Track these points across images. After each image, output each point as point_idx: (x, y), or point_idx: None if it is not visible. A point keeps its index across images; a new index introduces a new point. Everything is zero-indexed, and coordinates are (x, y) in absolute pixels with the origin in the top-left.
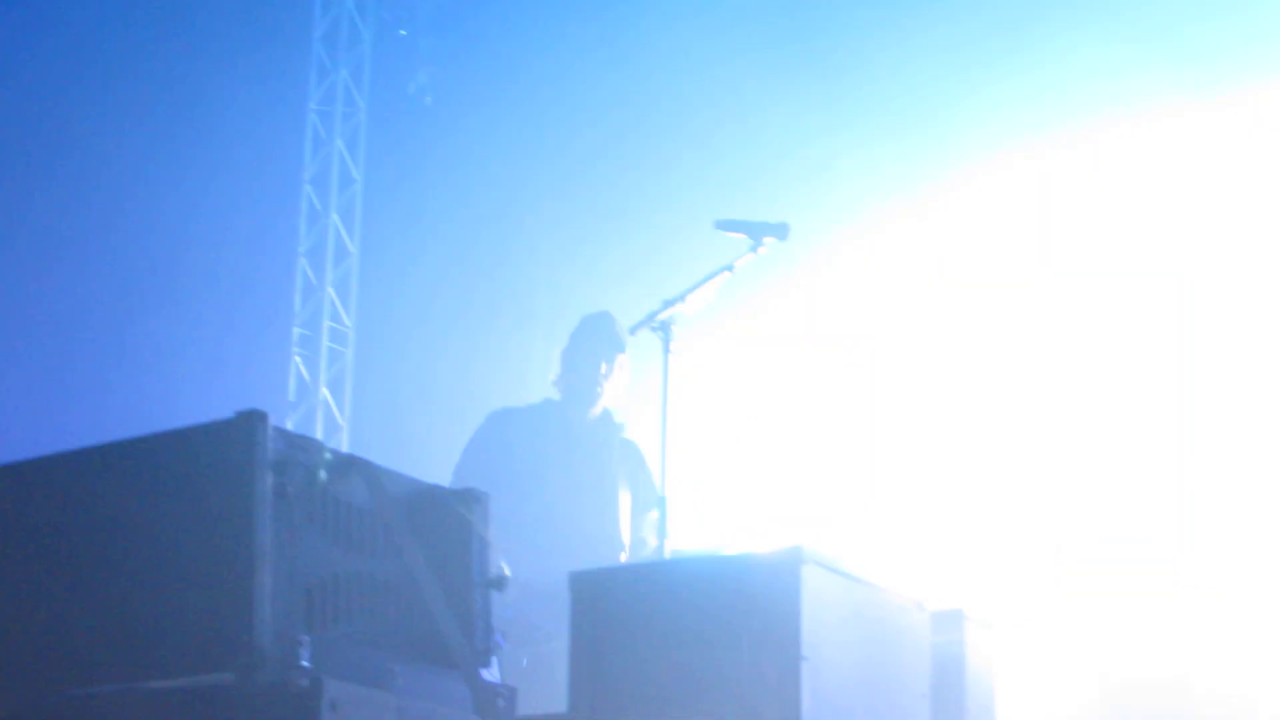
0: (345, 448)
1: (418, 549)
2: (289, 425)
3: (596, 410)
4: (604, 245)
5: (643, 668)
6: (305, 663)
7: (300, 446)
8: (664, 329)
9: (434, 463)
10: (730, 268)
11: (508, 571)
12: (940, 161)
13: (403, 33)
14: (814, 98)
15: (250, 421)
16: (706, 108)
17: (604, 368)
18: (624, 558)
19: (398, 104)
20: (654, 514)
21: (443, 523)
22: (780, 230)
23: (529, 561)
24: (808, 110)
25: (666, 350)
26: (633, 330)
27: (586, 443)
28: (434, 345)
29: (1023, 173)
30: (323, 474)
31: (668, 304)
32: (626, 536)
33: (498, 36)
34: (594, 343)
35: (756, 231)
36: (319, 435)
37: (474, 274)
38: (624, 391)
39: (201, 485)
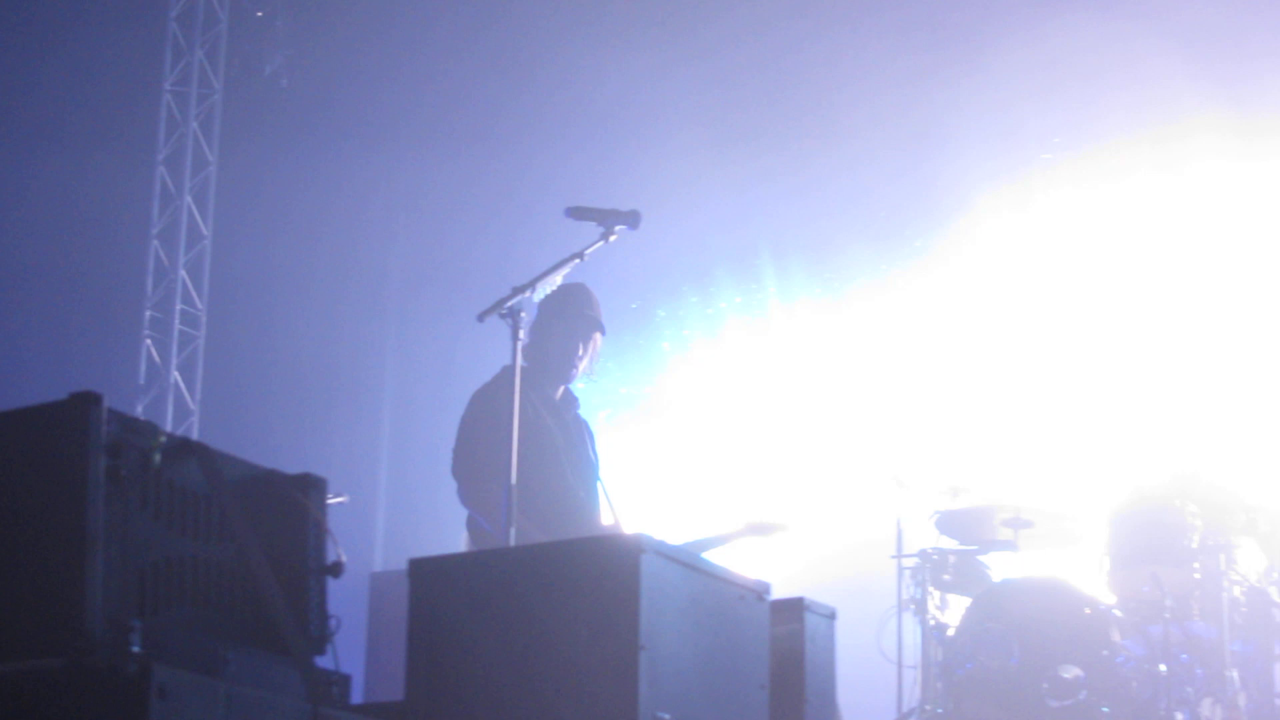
0: (196, 432)
1: (253, 534)
2: (139, 409)
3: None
4: (457, 231)
5: (481, 656)
6: (136, 648)
7: (135, 429)
8: (512, 315)
9: (284, 447)
10: (580, 255)
11: (344, 558)
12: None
13: (259, 14)
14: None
15: (83, 403)
16: (570, 92)
17: (581, 349)
18: None
19: (254, 86)
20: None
21: (280, 508)
22: (632, 219)
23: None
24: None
25: (515, 337)
26: (480, 317)
27: (566, 417)
28: (286, 330)
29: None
30: (157, 457)
31: (517, 291)
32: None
33: (355, 20)
34: (572, 321)
35: (608, 219)
36: (169, 419)
37: (327, 259)
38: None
39: (33, 468)
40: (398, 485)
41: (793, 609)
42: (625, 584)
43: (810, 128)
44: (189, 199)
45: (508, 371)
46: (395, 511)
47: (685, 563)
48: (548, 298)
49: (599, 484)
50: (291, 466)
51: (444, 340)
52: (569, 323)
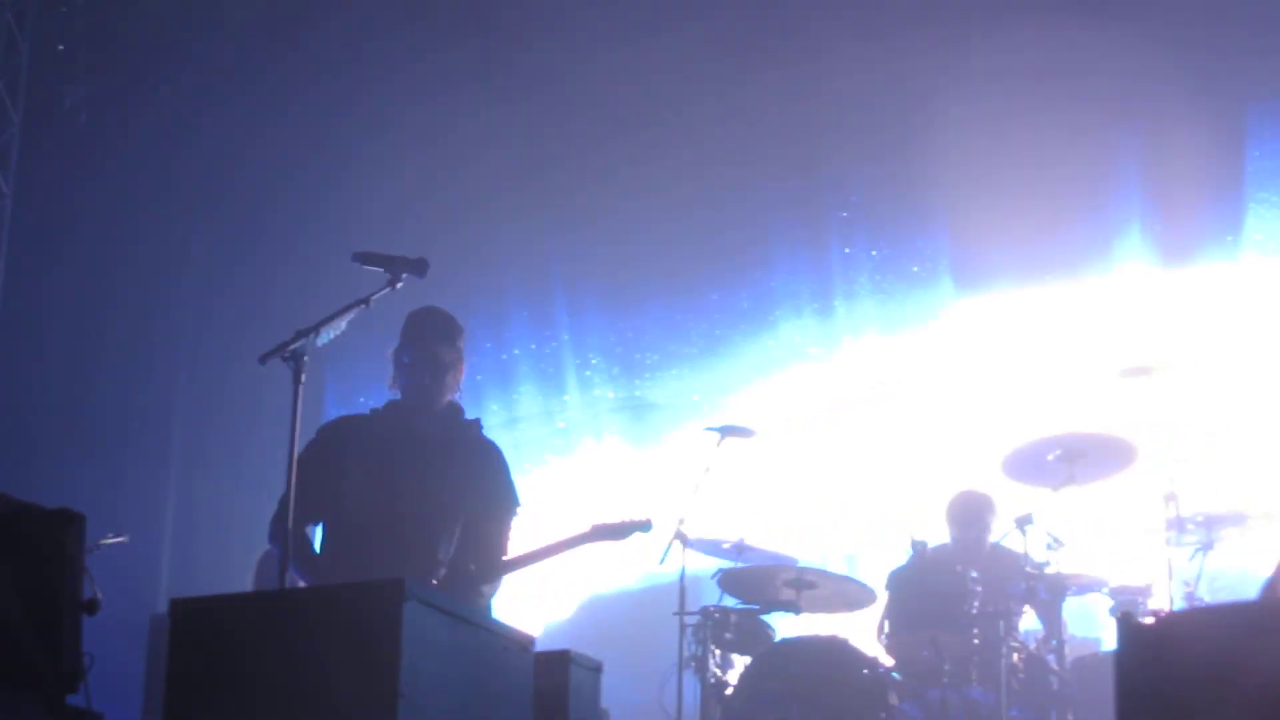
0: None
1: (6, 569)
2: None
3: (437, 409)
4: (251, 272)
5: (240, 699)
6: None
7: None
8: (295, 359)
9: (70, 485)
10: (366, 301)
11: (99, 595)
12: None
13: (61, 47)
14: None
15: None
16: (364, 134)
17: (426, 375)
18: (441, 573)
19: (52, 120)
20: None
21: (36, 543)
22: (418, 267)
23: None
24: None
25: (297, 380)
26: (262, 360)
27: (423, 447)
28: (77, 366)
29: None
30: None
31: (299, 334)
32: (448, 546)
33: (156, 58)
34: (410, 349)
35: (395, 267)
36: None
37: (120, 295)
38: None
39: None
40: (184, 527)
41: (558, 661)
42: (387, 631)
43: (610, 175)
44: None
45: (367, 416)
46: (181, 553)
47: (450, 612)
48: (401, 328)
49: (497, 515)
50: (76, 505)
51: (234, 382)
52: (408, 350)
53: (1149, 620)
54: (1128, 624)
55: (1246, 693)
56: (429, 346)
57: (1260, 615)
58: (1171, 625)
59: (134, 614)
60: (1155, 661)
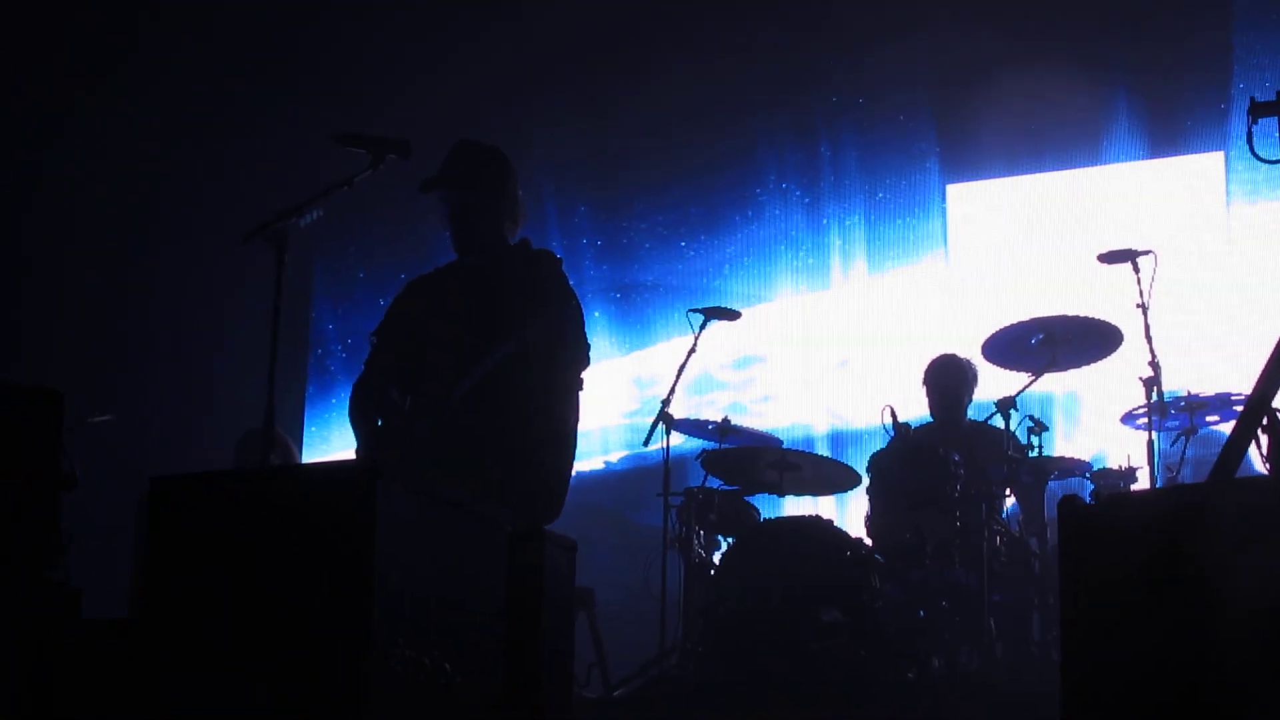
0: None
1: None
2: None
3: (481, 243)
4: (236, 150)
5: (215, 578)
6: None
7: None
8: (278, 239)
9: (51, 363)
10: (349, 183)
11: (76, 472)
12: None
13: None
14: None
15: None
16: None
17: (455, 207)
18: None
19: None
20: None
21: (13, 420)
22: (402, 148)
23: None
24: None
25: (280, 261)
26: (245, 239)
27: (460, 283)
28: (59, 244)
29: None
30: None
31: (282, 214)
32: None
33: None
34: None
35: (377, 147)
36: None
37: (100, 171)
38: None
39: None
40: (172, 407)
41: (533, 541)
42: (361, 511)
43: (599, 64)
44: None
45: (437, 271)
46: (169, 433)
47: (423, 493)
48: None
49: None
50: (64, 384)
51: (218, 260)
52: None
53: (1090, 503)
54: (1069, 507)
55: (1185, 575)
56: (447, 193)
57: (1200, 497)
58: (1112, 507)
59: (123, 493)
60: (1096, 543)
